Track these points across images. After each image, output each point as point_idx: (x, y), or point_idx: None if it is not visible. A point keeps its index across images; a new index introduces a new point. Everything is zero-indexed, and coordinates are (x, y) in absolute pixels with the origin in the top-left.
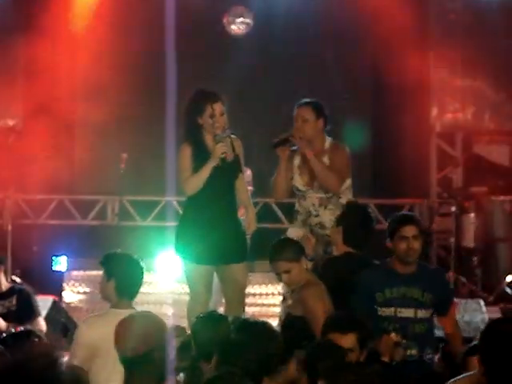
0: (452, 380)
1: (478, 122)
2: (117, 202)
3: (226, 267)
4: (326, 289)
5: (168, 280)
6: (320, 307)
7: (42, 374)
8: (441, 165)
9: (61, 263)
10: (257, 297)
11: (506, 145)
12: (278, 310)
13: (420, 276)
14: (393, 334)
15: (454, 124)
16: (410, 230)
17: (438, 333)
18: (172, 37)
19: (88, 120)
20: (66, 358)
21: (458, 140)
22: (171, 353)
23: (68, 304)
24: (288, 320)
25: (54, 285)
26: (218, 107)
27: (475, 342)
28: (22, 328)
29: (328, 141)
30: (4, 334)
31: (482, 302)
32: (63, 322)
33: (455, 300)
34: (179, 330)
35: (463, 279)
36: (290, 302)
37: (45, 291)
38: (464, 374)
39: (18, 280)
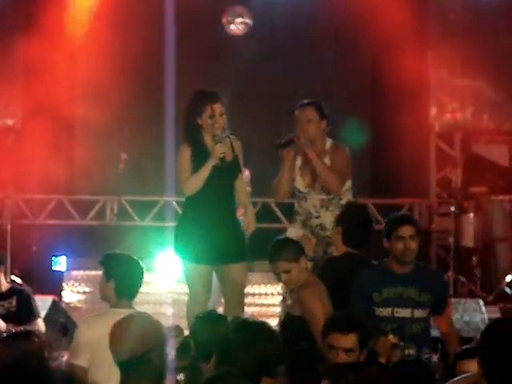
0: (452, 380)
1: (477, 121)
2: (116, 202)
3: (225, 267)
4: (326, 289)
5: (167, 280)
6: (319, 307)
7: (31, 372)
8: (440, 165)
9: (60, 263)
10: (256, 297)
11: (506, 144)
12: (277, 309)
13: (417, 276)
14: (391, 336)
15: (453, 124)
16: (406, 230)
17: (434, 333)
18: (171, 37)
19: (87, 120)
20: (65, 358)
21: (457, 140)
22: (170, 353)
23: (67, 304)
24: (287, 320)
25: (53, 285)
26: (218, 108)
27: (466, 346)
28: (21, 328)
29: (329, 142)
30: (4, 335)
31: (481, 302)
32: (63, 322)
33: (451, 300)
34: (177, 329)
35: (463, 279)
36: (289, 301)
37: (44, 291)
38: (464, 375)
39: (17, 280)
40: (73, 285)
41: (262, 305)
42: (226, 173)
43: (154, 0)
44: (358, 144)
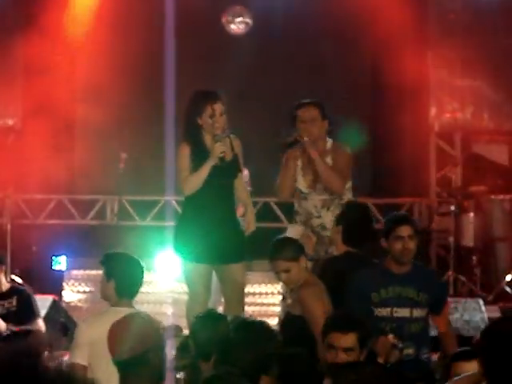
0: (452, 380)
1: (477, 121)
2: (116, 201)
3: (224, 267)
4: (326, 288)
5: (167, 279)
6: (318, 307)
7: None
8: (440, 164)
9: (60, 263)
10: (256, 296)
11: (505, 144)
12: (277, 309)
13: (415, 275)
14: (390, 336)
15: (453, 123)
16: (405, 230)
17: (433, 332)
18: (171, 37)
19: (87, 120)
20: (65, 357)
21: (457, 139)
22: (169, 353)
23: (68, 303)
24: (287, 319)
25: (53, 284)
26: (218, 107)
27: (462, 349)
28: (22, 328)
29: (329, 142)
30: (4, 334)
31: (481, 302)
32: (63, 322)
33: (449, 300)
34: (176, 329)
35: (463, 278)
36: (289, 301)
37: (44, 291)
38: (463, 374)
39: (18, 280)
40: (73, 284)
41: (262, 304)
42: (225, 172)
43: (153, 0)
44: (358, 144)
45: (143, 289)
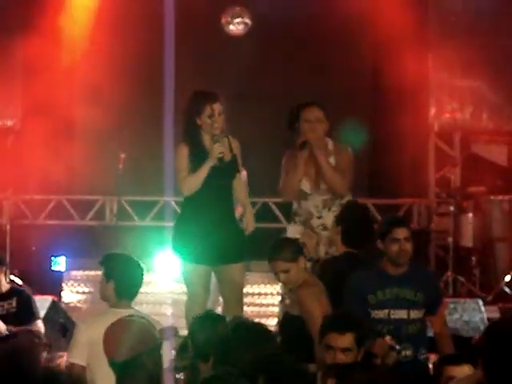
0: (452, 381)
1: (477, 121)
2: (115, 202)
3: (224, 267)
4: (325, 289)
5: (167, 280)
6: (317, 307)
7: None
8: (439, 164)
9: (59, 263)
10: (255, 296)
11: (505, 145)
12: (276, 309)
13: (411, 276)
14: (387, 338)
15: (452, 124)
16: (401, 232)
17: (431, 333)
18: (170, 38)
19: (86, 120)
20: (64, 358)
21: (457, 140)
22: (168, 353)
23: (67, 304)
24: (286, 320)
25: (52, 285)
26: (217, 107)
27: (451, 353)
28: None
29: (330, 142)
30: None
31: (480, 302)
32: (62, 322)
33: (445, 300)
34: (172, 330)
35: (462, 279)
36: (287, 301)
37: (44, 291)
38: (464, 376)
39: (18, 281)
40: (72, 285)
41: (262, 305)
42: (224, 173)
43: (153, 0)
44: (358, 144)
45: (142, 289)
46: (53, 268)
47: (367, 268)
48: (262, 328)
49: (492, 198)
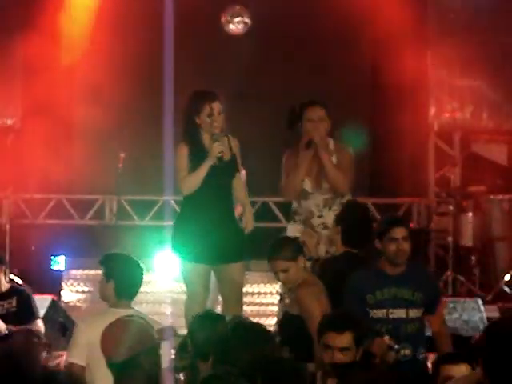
0: (452, 380)
1: (477, 121)
2: (115, 201)
3: (223, 266)
4: (325, 288)
5: (166, 279)
6: (316, 307)
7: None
8: (439, 164)
9: (59, 262)
10: (255, 296)
11: (505, 144)
12: (276, 309)
13: (409, 276)
14: (386, 337)
15: (452, 123)
16: (399, 232)
17: (429, 333)
18: (170, 37)
19: (86, 120)
20: (64, 357)
21: (456, 139)
22: (166, 354)
23: (66, 303)
24: (285, 319)
25: (52, 284)
26: (216, 106)
27: (448, 352)
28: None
29: (331, 141)
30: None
31: (480, 301)
32: (62, 322)
33: (444, 298)
34: (170, 330)
35: (461, 278)
36: (287, 301)
37: (43, 291)
38: (464, 375)
39: (17, 280)
40: (72, 284)
41: (261, 304)
42: (223, 172)
43: (153, 0)
44: (358, 144)
45: (142, 288)
46: (52, 267)
47: (366, 268)
48: (260, 328)
49: (492, 197)
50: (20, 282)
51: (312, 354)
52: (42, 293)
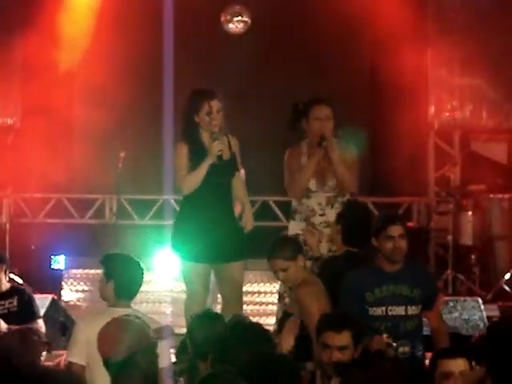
0: (453, 377)
1: (476, 119)
2: (115, 200)
3: (223, 265)
4: (325, 288)
5: (166, 278)
6: (315, 306)
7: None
8: (439, 163)
9: (59, 262)
10: (255, 295)
11: (505, 143)
12: (275, 308)
13: (407, 273)
14: (384, 335)
15: (452, 122)
16: (395, 230)
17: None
18: (170, 36)
19: (86, 119)
20: (64, 356)
21: (456, 138)
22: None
23: (67, 302)
24: (284, 318)
25: (52, 283)
26: (215, 104)
27: (446, 346)
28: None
29: (334, 140)
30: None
31: (480, 300)
32: (62, 321)
33: (441, 294)
34: (167, 329)
35: (461, 277)
36: (286, 300)
37: (43, 290)
38: (468, 372)
39: (18, 280)
40: (72, 283)
41: (261, 303)
42: (223, 171)
43: (152, 0)
44: (358, 143)
45: (142, 288)
46: (52, 266)
47: (363, 266)
48: (259, 327)
49: (492, 196)
50: (20, 281)
51: (311, 353)
52: (42, 292)
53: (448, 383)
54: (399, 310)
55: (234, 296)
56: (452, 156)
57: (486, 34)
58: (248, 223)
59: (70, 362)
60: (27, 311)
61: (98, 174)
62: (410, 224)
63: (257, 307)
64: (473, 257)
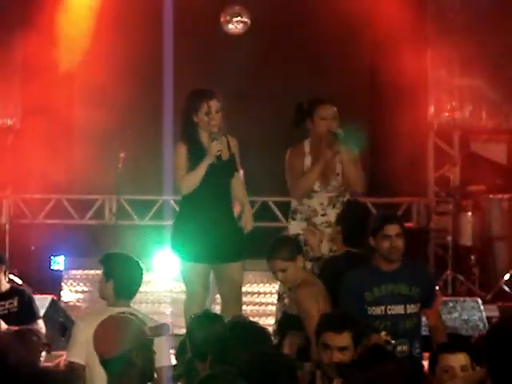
0: (458, 377)
1: (476, 120)
2: (114, 201)
3: (223, 266)
4: (325, 288)
5: (166, 279)
6: (314, 308)
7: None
8: (438, 163)
9: (59, 262)
10: (254, 295)
11: (504, 143)
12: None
13: (405, 271)
14: (383, 333)
15: (451, 122)
16: (392, 229)
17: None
18: (170, 37)
19: (86, 119)
20: (63, 357)
21: (456, 138)
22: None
23: (66, 303)
24: (284, 319)
25: (52, 284)
26: (214, 104)
27: (446, 341)
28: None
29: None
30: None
31: (479, 301)
32: (62, 322)
33: (439, 292)
34: (164, 328)
35: (461, 278)
36: (286, 300)
37: (43, 291)
38: (469, 372)
39: (17, 281)
40: (71, 284)
41: (261, 303)
42: (222, 171)
43: (152, 0)
44: (357, 143)
45: (142, 288)
46: (52, 267)
47: (361, 266)
48: (258, 327)
49: (491, 196)
50: (20, 282)
51: (309, 353)
52: (42, 293)
53: (448, 378)
54: (398, 309)
55: (234, 296)
56: (451, 156)
57: (485, 35)
58: (248, 224)
59: (70, 362)
60: (27, 312)
61: (98, 175)
62: (409, 224)
63: (256, 308)
64: (472, 257)
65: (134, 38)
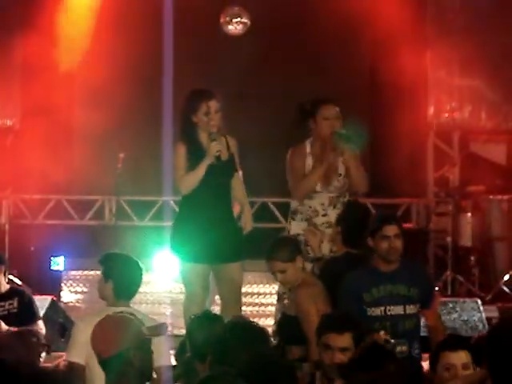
0: (459, 378)
1: (475, 120)
2: (114, 201)
3: (222, 266)
4: (325, 289)
5: (165, 279)
6: (313, 309)
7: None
8: (438, 164)
9: (58, 263)
10: (254, 296)
11: (503, 144)
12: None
13: (404, 272)
14: (382, 333)
15: (451, 123)
16: (391, 230)
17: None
18: (169, 37)
19: (85, 120)
20: (63, 357)
21: (455, 139)
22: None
23: (66, 304)
24: (283, 320)
25: (51, 285)
26: (213, 105)
27: (448, 338)
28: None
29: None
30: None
31: (479, 301)
32: (61, 322)
33: (438, 293)
34: (162, 327)
35: (461, 278)
36: (286, 301)
37: (43, 291)
38: (469, 373)
39: (17, 281)
40: (71, 285)
41: (260, 304)
42: (222, 171)
43: (152, 0)
44: (357, 144)
45: (141, 289)
46: (52, 268)
47: (360, 267)
48: (258, 328)
49: (491, 197)
50: (19, 282)
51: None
52: (42, 293)
53: (450, 375)
54: (398, 310)
55: (233, 297)
56: (451, 157)
57: (485, 35)
58: (247, 224)
59: (70, 363)
60: (27, 312)
61: (98, 175)
62: (409, 225)
63: (256, 308)
64: (472, 258)
65: (134, 37)
